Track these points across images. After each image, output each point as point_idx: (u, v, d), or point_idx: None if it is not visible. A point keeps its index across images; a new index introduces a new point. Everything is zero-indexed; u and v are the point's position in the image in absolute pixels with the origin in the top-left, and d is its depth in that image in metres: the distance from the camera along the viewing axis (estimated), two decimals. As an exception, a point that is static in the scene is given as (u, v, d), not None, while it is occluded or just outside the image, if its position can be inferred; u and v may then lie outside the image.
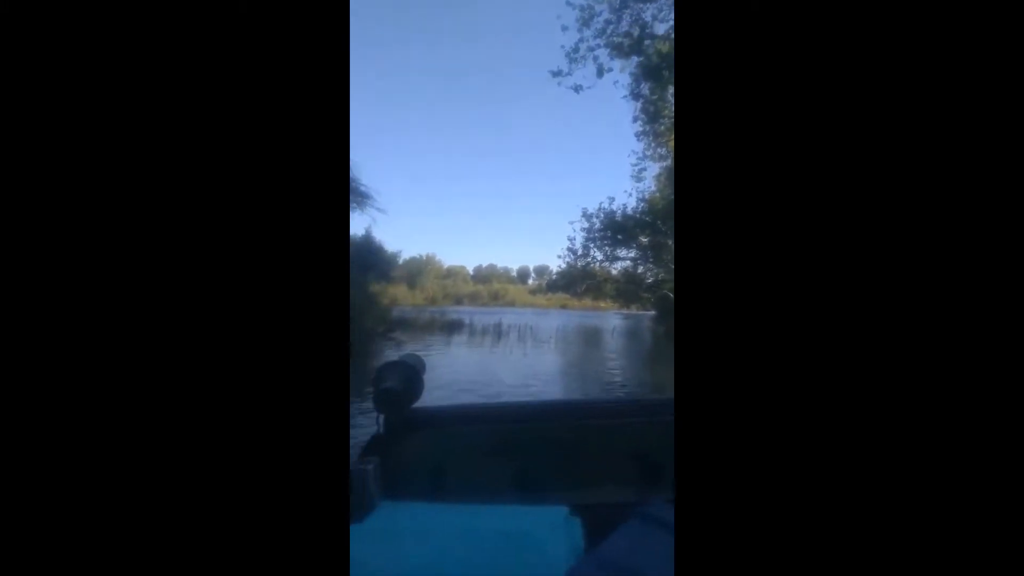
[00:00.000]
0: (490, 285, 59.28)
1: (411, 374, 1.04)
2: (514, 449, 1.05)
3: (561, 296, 63.14)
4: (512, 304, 53.84)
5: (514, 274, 71.32)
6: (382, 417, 1.04)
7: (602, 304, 59.56)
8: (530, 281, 70.52)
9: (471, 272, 66.90)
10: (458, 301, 53.87)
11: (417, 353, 1.15)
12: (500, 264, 71.97)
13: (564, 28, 13.67)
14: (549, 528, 0.79)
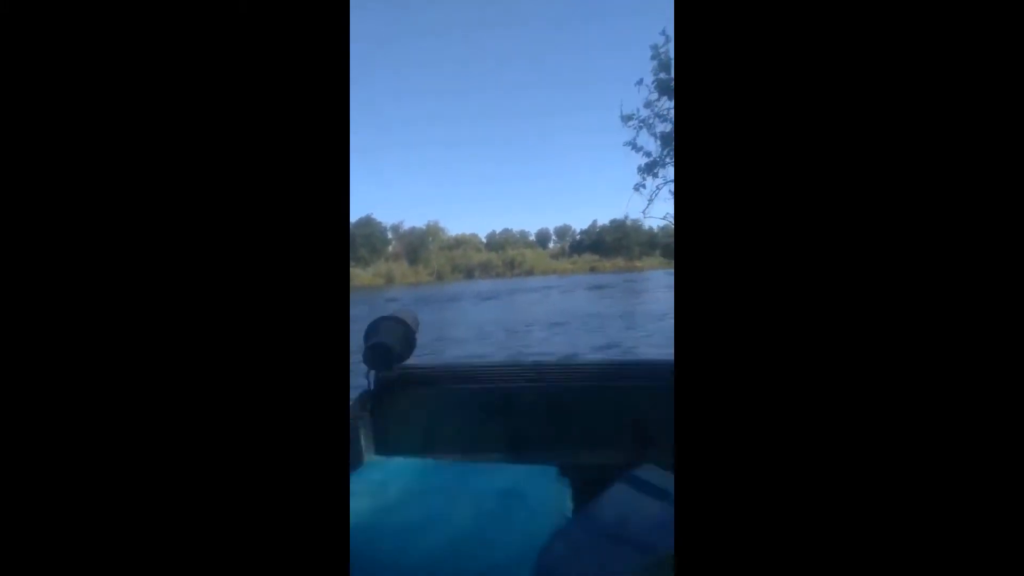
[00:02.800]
0: (505, 252, 51.10)
1: (404, 330, 1.01)
2: (506, 409, 1.04)
3: (588, 258, 55.56)
4: (531, 272, 45.96)
5: (532, 238, 63.12)
6: (372, 373, 1.03)
7: (637, 263, 51.62)
8: (551, 245, 62.40)
9: (484, 240, 58.98)
10: (469, 274, 46.43)
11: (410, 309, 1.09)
12: (516, 228, 63.58)
13: None
14: (538, 487, 0.81)
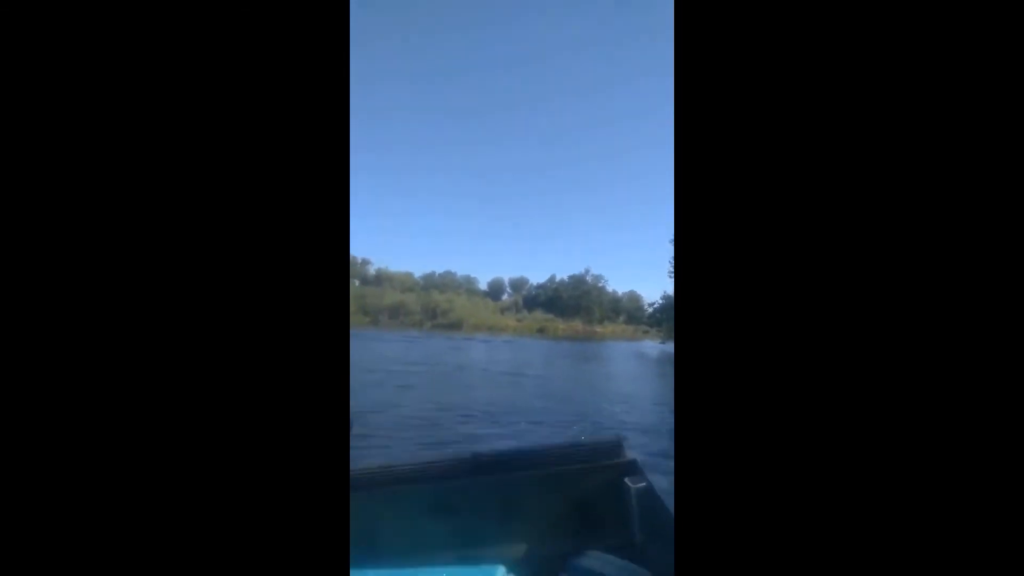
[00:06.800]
0: (427, 295, 39.85)
1: None
2: (450, 506, 1.04)
3: (540, 316, 44.87)
4: (457, 327, 34.60)
5: (483, 286, 52.24)
6: None
7: (598, 329, 40.75)
8: (505, 297, 51.48)
9: (419, 280, 48.04)
10: (375, 321, 35.18)
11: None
12: (461, 272, 52.53)
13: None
14: None
